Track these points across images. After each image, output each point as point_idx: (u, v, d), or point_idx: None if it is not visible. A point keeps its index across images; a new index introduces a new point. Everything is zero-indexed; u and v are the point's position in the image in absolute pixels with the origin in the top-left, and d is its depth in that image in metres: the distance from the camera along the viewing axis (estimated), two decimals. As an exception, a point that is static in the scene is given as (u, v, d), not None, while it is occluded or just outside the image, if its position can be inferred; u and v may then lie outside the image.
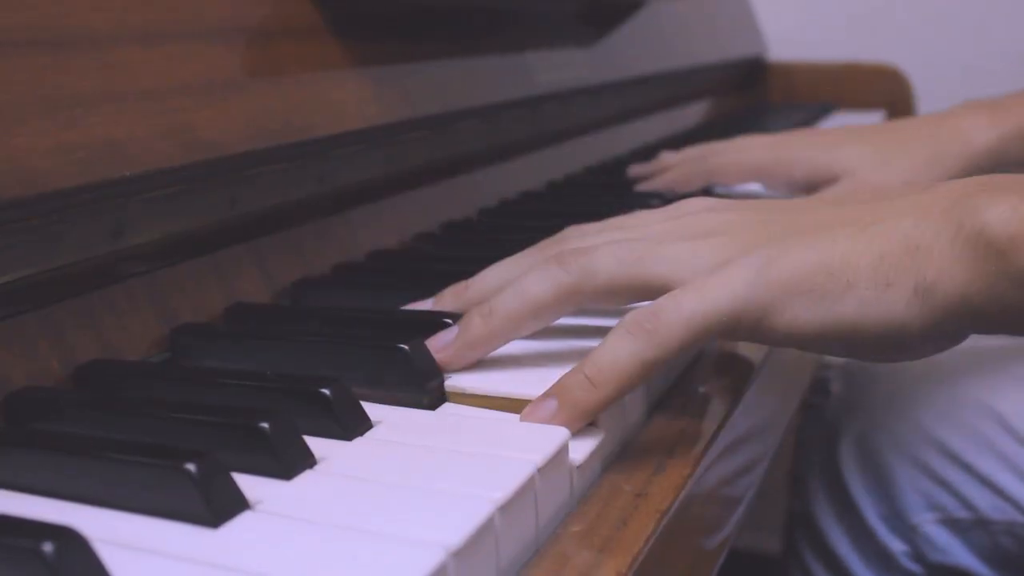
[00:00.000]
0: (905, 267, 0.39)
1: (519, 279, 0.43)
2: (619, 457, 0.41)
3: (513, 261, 0.47)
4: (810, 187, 0.76)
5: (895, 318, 0.39)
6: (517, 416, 0.39)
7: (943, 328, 0.39)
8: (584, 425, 0.38)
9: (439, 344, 0.43)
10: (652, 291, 0.42)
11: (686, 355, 0.40)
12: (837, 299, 0.39)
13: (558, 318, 0.44)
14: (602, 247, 0.43)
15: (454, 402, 0.42)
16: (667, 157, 0.84)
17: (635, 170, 0.85)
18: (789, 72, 1.51)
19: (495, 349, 0.44)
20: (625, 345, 0.39)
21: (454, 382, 0.42)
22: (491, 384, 0.42)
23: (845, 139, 0.78)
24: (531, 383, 0.41)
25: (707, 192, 0.82)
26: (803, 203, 0.47)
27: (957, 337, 0.41)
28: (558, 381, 0.39)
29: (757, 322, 0.40)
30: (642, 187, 0.82)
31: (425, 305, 0.48)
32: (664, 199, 0.74)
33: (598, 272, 0.43)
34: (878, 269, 0.39)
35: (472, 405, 0.41)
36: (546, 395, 0.39)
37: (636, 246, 0.43)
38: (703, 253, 0.42)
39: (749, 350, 0.53)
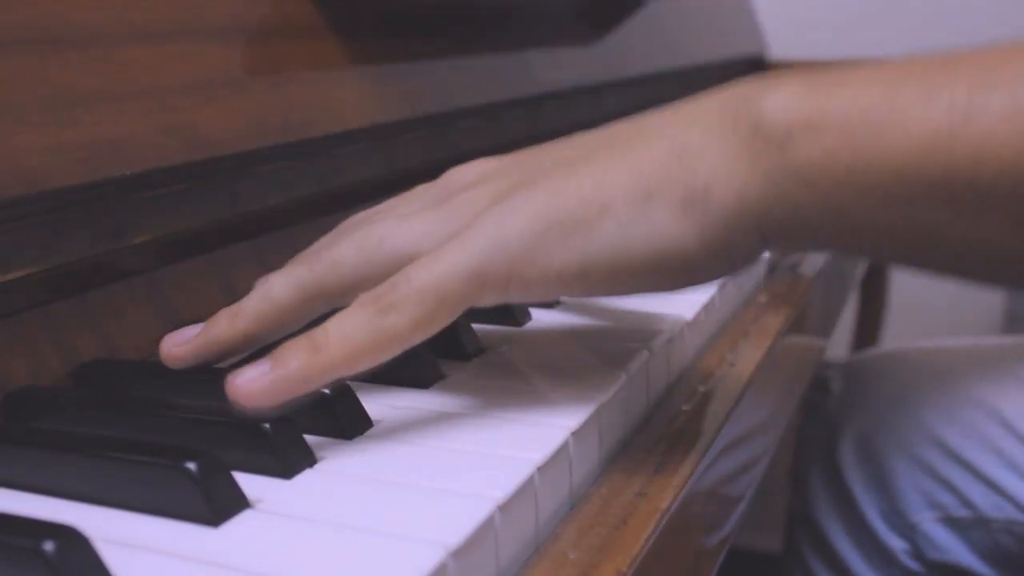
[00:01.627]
0: (670, 176, 0.34)
1: (266, 279, 0.40)
2: (619, 456, 0.41)
3: (279, 275, 0.41)
4: None
5: (664, 236, 0.34)
6: (519, 414, 0.39)
7: (727, 241, 0.35)
8: (294, 394, 0.35)
9: (181, 337, 0.40)
10: (395, 264, 0.38)
11: (440, 326, 0.36)
12: (592, 226, 0.35)
13: (310, 318, 0.40)
14: (344, 238, 0.40)
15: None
16: None
17: None
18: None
19: (238, 354, 0.40)
20: (357, 317, 0.35)
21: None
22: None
23: None
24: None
25: None
26: (566, 140, 0.41)
27: (749, 253, 0.36)
28: (277, 349, 0.35)
29: (508, 274, 0.36)
30: None
31: (190, 333, 0.41)
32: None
33: (340, 263, 0.39)
34: (637, 184, 0.35)
35: None
36: (263, 358, 0.35)
37: (378, 228, 0.39)
38: (449, 218, 0.38)
39: (750, 349, 0.53)
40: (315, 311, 0.40)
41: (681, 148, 0.35)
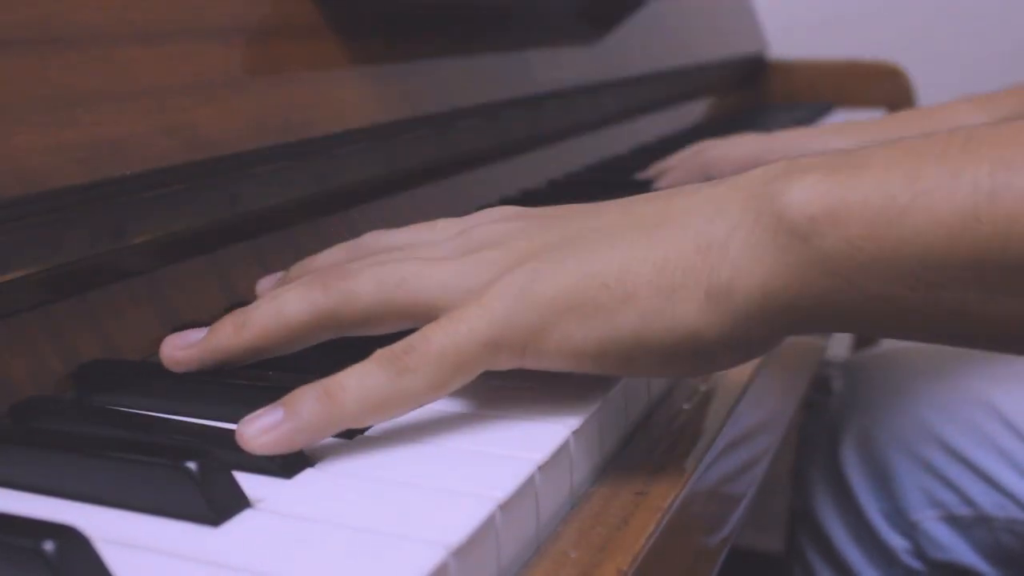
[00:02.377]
0: (695, 269, 0.35)
1: (279, 295, 0.40)
2: (619, 455, 0.41)
3: (289, 290, 0.41)
4: None
5: (685, 328, 0.35)
6: (520, 413, 0.39)
7: (749, 333, 0.35)
8: (307, 445, 0.35)
9: (182, 341, 0.40)
10: (418, 316, 0.38)
11: (452, 388, 0.36)
12: (614, 312, 0.35)
13: (317, 341, 0.40)
14: (367, 270, 0.40)
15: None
16: (668, 161, 0.85)
17: (640, 176, 0.85)
18: (790, 70, 1.51)
19: (239, 362, 0.40)
20: (372, 373, 0.35)
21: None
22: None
23: (835, 132, 0.78)
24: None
25: None
26: (595, 206, 0.41)
27: (769, 341, 0.36)
28: (291, 394, 0.35)
29: (523, 346, 0.36)
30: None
31: (195, 337, 0.41)
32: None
33: (358, 297, 0.39)
34: (662, 275, 0.35)
35: None
36: (273, 405, 0.35)
37: (401, 267, 0.39)
38: (471, 272, 0.38)
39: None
40: (322, 336, 0.40)
41: (706, 243, 0.35)
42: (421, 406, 0.37)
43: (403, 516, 0.31)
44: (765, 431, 0.55)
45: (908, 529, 0.75)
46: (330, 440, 0.37)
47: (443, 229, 0.44)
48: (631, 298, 0.35)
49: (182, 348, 0.40)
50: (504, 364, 0.37)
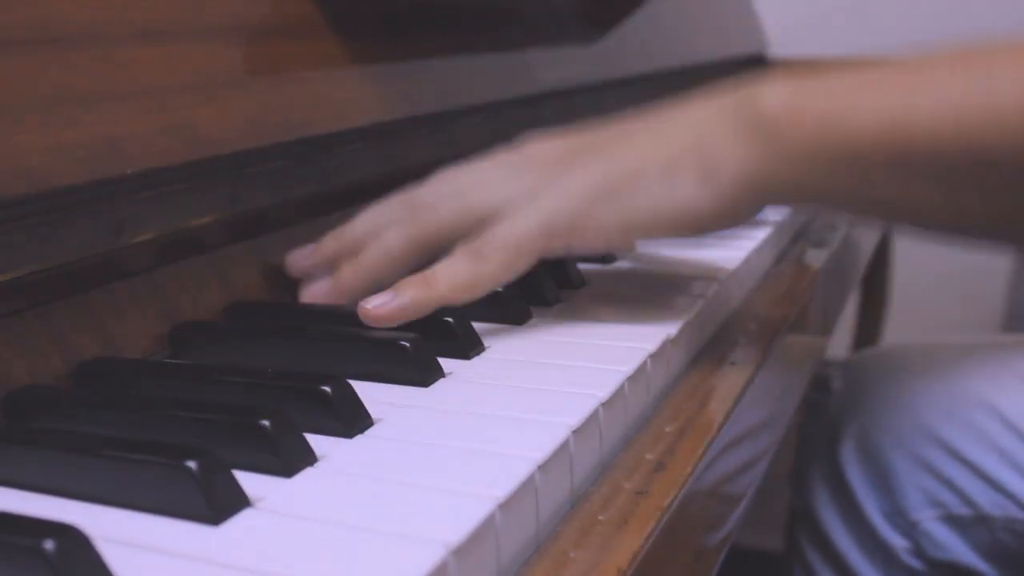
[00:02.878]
0: (690, 152, 0.45)
1: (378, 232, 0.50)
2: (620, 454, 0.41)
3: (376, 208, 0.53)
4: None
5: (684, 198, 0.45)
6: (519, 412, 0.39)
7: (733, 205, 0.45)
8: (407, 318, 0.45)
9: (315, 291, 0.51)
10: (482, 220, 0.48)
11: (519, 271, 0.47)
12: (632, 196, 0.46)
13: (418, 263, 0.49)
14: (442, 196, 0.50)
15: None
16: None
17: None
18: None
19: (361, 294, 0.48)
20: (459, 264, 0.47)
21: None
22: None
23: None
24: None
25: None
26: (622, 122, 0.51)
27: (749, 212, 0.47)
28: (400, 282, 0.46)
29: (569, 231, 0.47)
30: None
31: (307, 251, 0.53)
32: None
33: (439, 219, 0.49)
34: (665, 163, 0.46)
35: None
36: (386, 290, 0.46)
37: (467, 190, 0.50)
38: (523, 182, 0.49)
39: (750, 348, 0.53)
40: (419, 260, 0.49)
41: (699, 134, 0.46)
42: (498, 286, 0.47)
43: (402, 515, 0.31)
44: (765, 430, 0.55)
45: (908, 529, 0.75)
46: (330, 439, 0.37)
47: (494, 160, 0.53)
48: (641, 178, 0.46)
49: (316, 296, 0.51)
50: (556, 249, 0.48)
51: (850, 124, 0.42)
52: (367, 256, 0.50)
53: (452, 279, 0.46)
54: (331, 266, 0.51)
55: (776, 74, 0.46)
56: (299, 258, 0.53)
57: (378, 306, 0.45)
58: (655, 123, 0.49)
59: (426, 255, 0.49)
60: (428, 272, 0.46)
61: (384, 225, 0.51)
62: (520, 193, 0.48)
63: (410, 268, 0.49)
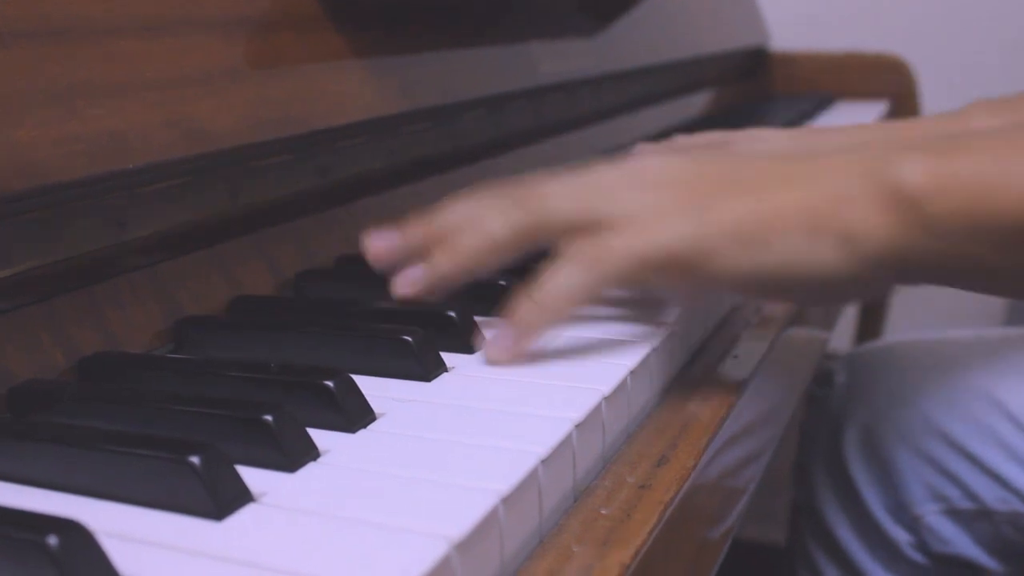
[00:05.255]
0: (831, 217, 0.42)
1: (480, 218, 0.46)
2: (622, 448, 0.41)
3: (476, 197, 0.49)
4: None
5: (823, 263, 0.42)
6: (521, 407, 0.39)
7: (868, 275, 0.42)
8: (531, 343, 0.43)
9: (408, 279, 0.47)
10: (598, 225, 0.44)
11: (628, 285, 0.45)
12: (768, 246, 0.43)
13: (517, 255, 0.46)
14: (559, 190, 0.46)
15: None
16: (681, 140, 0.84)
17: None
18: (792, 62, 1.51)
19: (454, 283, 0.46)
20: (571, 272, 0.43)
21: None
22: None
23: (862, 137, 0.77)
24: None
25: None
26: (746, 157, 0.49)
27: (883, 285, 0.44)
28: (510, 311, 0.43)
29: (692, 263, 0.43)
30: None
31: (392, 235, 0.49)
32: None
33: (553, 211, 0.45)
34: (807, 217, 0.42)
35: None
36: (502, 327, 0.43)
37: (588, 189, 0.46)
38: (651, 201, 0.45)
39: (752, 341, 0.53)
40: (521, 250, 0.46)
41: (838, 196, 0.42)
42: (599, 294, 0.44)
43: (406, 509, 0.31)
44: (767, 424, 0.55)
45: (911, 523, 0.75)
46: (333, 434, 0.37)
47: (608, 169, 0.49)
48: (783, 233, 0.42)
49: (409, 285, 0.47)
50: (668, 280, 0.44)
51: (1002, 195, 0.40)
52: (466, 240, 0.46)
53: (568, 292, 0.43)
54: (415, 253, 0.48)
55: (908, 138, 0.45)
56: (381, 241, 0.49)
57: (499, 347, 0.43)
58: (792, 172, 0.45)
59: (529, 248, 0.46)
60: (536, 291, 0.43)
61: (483, 213, 0.47)
62: (644, 210, 0.45)
63: (511, 261, 0.46)
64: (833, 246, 0.42)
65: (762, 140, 0.79)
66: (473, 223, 0.46)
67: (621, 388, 0.41)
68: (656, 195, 0.45)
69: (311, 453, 0.35)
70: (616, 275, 0.43)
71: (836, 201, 0.42)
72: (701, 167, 0.48)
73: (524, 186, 0.48)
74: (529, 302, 0.43)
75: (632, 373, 0.42)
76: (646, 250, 0.43)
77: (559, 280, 0.43)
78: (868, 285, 0.43)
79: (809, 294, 0.44)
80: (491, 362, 0.43)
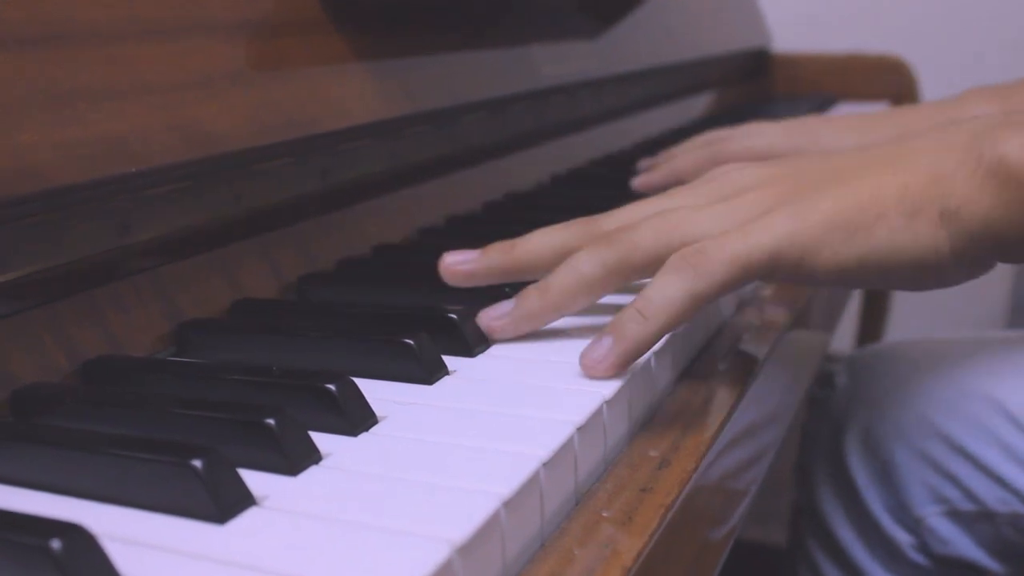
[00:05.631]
0: (931, 195, 0.42)
1: (572, 258, 0.46)
2: (624, 451, 0.41)
3: (558, 229, 0.49)
4: None
5: (926, 244, 0.42)
6: (523, 410, 0.39)
7: (971, 253, 0.42)
8: (636, 359, 0.42)
9: (495, 313, 0.46)
10: None
11: (730, 291, 0.43)
12: (870, 230, 0.42)
13: (608, 293, 0.46)
14: (643, 222, 0.46)
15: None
16: (675, 149, 0.84)
17: (644, 164, 0.84)
18: (793, 63, 1.51)
19: (547, 323, 0.46)
20: (673, 281, 0.42)
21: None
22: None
23: (860, 126, 0.77)
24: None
25: None
26: (828, 153, 0.49)
27: (985, 264, 0.43)
28: (611, 321, 0.42)
29: (798, 261, 0.43)
30: (647, 177, 0.81)
31: (471, 255, 0.49)
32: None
33: (640, 246, 0.45)
34: (904, 199, 0.42)
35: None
36: (602, 334, 0.42)
37: (672, 216, 0.46)
38: (738, 209, 0.45)
39: (754, 342, 0.53)
40: (612, 287, 0.46)
41: (938, 173, 0.42)
42: (706, 304, 0.43)
43: (408, 513, 0.31)
44: (769, 426, 0.55)
45: (912, 524, 0.75)
46: (334, 437, 0.37)
47: (686, 189, 0.50)
48: (882, 218, 0.42)
49: (497, 319, 0.46)
50: (777, 277, 0.44)
51: None
52: (557, 280, 0.46)
53: (672, 303, 0.42)
54: (493, 278, 0.49)
55: (1012, 119, 0.43)
56: (459, 265, 0.49)
57: (596, 360, 0.41)
58: (883, 156, 0.45)
59: (620, 284, 0.46)
60: (640, 300, 0.42)
61: (565, 248, 0.47)
62: (735, 221, 0.44)
63: (600, 297, 0.46)
64: (935, 225, 0.41)
65: (760, 135, 0.80)
66: (566, 263, 0.46)
67: (623, 391, 0.41)
68: (742, 202, 0.45)
69: (313, 456, 0.35)
70: (721, 280, 0.42)
71: (935, 180, 0.42)
72: (786, 168, 0.48)
73: (610, 220, 0.48)
74: (633, 312, 0.42)
75: (634, 376, 0.42)
76: (750, 252, 0.42)
77: (665, 292, 0.42)
78: (970, 264, 0.43)
79: (912, 278, 0.43)
80: (592, 376, 0.41)
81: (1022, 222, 0.41)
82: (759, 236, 0.42)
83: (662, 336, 0.42)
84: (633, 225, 0.46)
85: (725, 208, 0.46)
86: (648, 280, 0.44)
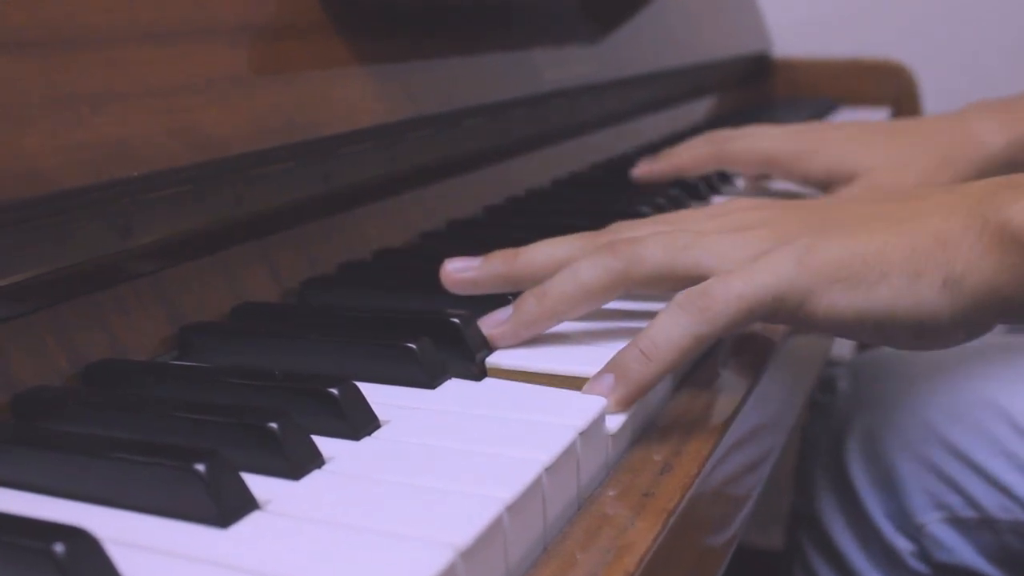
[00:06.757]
0: (935, 260, 0.42)
1: (573, 264, 0.46)
2: (626, 456, 0.41)
3: (563, 240, 0.49)
4: (827, 182, 0.76)
5: (926, 307, 0.42)
6: (526, 414, 0.39)
7: (973, 318, 0.42)
8: (639, 398, 0.41)
9: (494, 321, 0.46)
10: (695, 279, 0.44)
11: (734, 332, 0.43)
12: (872, 287, 0.42)
13: (607, 302, 0.46)
14: (650, 237, 0.46)
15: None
16: (678, 147, 0.84)
17: (643, 162, 0.84)
18: (794, 68, 1.51)
19: (545, 329, 0.46)
20: (678, 321, 0.42)
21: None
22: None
23: (863, 137, 0.78)
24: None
25: (722, 177, 0.83)
26: (838, 200, 0.50)
27: (987, 326, 0.43)
28: (613, 357, 0.42)
29: (798, 305, 0.42)
30: (649, 166, 0.81)
31: (474, 263, 0.49)
32: (670, 199, 0.74)
33: (646, 260, 0.45)
34: (910, 261, 0.42)
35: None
36: (603, 371, 0.41)
37: (682, 236, 0.46)
38: (746, 244, 0.45)
39: (756, 348, 0.53)
40: (611, 297, 0.46)
41: (944, 238, 0.42)
42: (712, 343, 0.43)
43: (410, 517, 0.31)
44: (770, 431, 0.55)
45: (913, 531, 0.74)
46: (337, 441, 0.37)
47: (695, 212, 0.50)
48: (885, 276, 0.42)
49: (496, 327, 0.46)
50: (778, 320, 0.44)
51: None
52: (556, 286, 0.45)
53: (678, 343, 0.41)
54: (495, 286, 0.49)
55: (1016, 181, 0.43)
56: (461, 272, 0.49)
57: (603, 395, 0.41)
58: (891, 214, 0.45)
59: (620, 295, 0.46)
60: (643, 341, 0.42)
61: (569, 260, 0.47)
62: (742, 255, 0.44)
63: (600, 306, 0.46)
64: (937, 287, 0.41)
65: (763, 136, 0.80)
66: (566, 269, 0.46)
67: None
68: (752, 237, 0.45)
69: (316, 460, 0.35)
70: (725, 323, 0.42)
71: (940, 242, 0.42)
72: (795, 209, 0.48)
73: (613, 231, 0.48)
74: (636, 352, 0.41)
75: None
76: (754, 293, 0.42)
77: (670, 334, 0.42)
78: (971, 327, 0.43)
79: (911, 336, 0.43)
80: (610, 410, 0.40)
81: None
82: (763, 277, 0.42)
83: (662, 377, 0.42)
84: (641, 239, 0.46)
85: (734, 239, 0.46)
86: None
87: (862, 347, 1.47)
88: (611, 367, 0.41)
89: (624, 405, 0.40)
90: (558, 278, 0.45)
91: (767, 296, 0.42)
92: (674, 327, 0.42)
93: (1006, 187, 0.42)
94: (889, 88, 1.43)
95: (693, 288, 0.43)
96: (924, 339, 0.43)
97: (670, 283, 0.46)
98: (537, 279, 0.47)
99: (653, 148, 0.94)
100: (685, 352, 0.42)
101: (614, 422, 0.40)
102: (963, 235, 0.41)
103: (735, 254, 0.45)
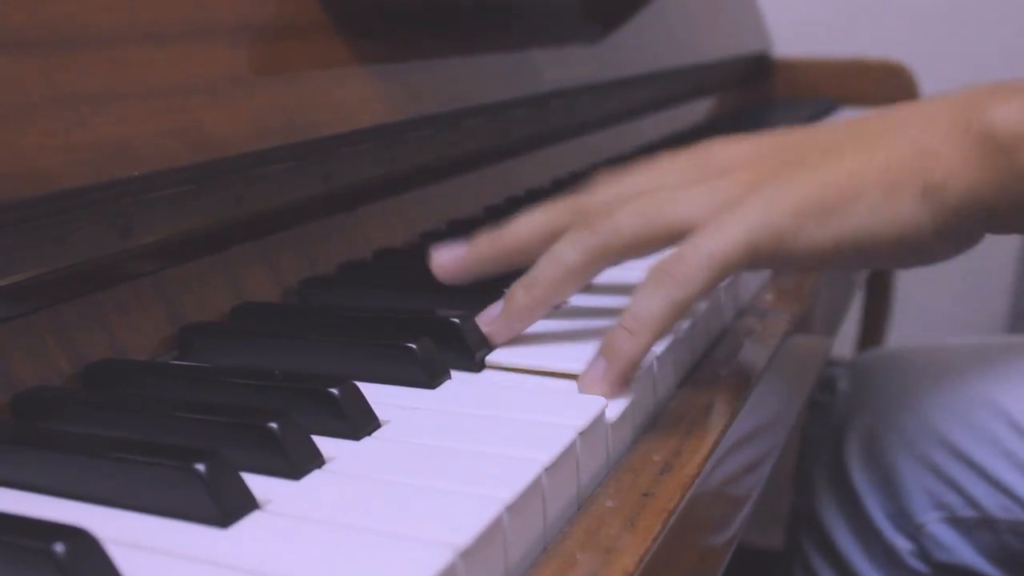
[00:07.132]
0: (913, 170, 0.41)
1: (553, 248, 0.46)
2: (626, 456, 0.41)
3: (542, 211, 0.49)
4: None
5: (907, 220, 0.41)
6: (526, 414, 0.39)
7: (956, 228, 0.41)
8: (632, 376, 0.41)
9: (488, 317, 0.46)
10: (676, 236, 0.44)
11: (714, 288, 0.43)
12: (847, 210, 0.41)
13: (595, 276, 0.46)
14: (624, 206, 0.45)
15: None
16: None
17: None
18: (794, 68, 1.51)
19: (539, 318, 0.46)
20: (655, 291, 0.42)
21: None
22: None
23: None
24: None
25: None
26: (814, 129, 0.48)
27: (971, 238, 0.42)
28: (602, 342, 0.42)
29: (775, 248, 0.42)
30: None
31: (460, 250, 0.49)
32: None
33: (623, 230, 0.45)
34: (885, 175, 0.41)
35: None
36: (594, 358, 0.42)
37: (655, 198, 0.45)
38: (718, 191, 0.44)
39: (756, 347, 0.53)
40: (597, 271, 0.46)
41: (922, 147, 0.41)
42: (691, 307, 0.43)
43: (410, 518, 0.31)
44: (771, 431, 0.55)
45: (912, 531, 0.74)
46: (337, 441, 0.37)
47: (670, 163, 0.49)
48: (860, 196, 0.41)
49: (490, 323, 0.46)
50: (760, 265, 0.43)
51: None
52: (542, 274, 0.46)
53: (659, 314, 0.41)
54: (485, 268, 0.49)
55: (1000, 88, 0.42)
56: (448, 260, 0.49)
57: (593, 381, 0.41)
58: (867, 131, 0.44)
59: (605, 267, 0.46)
60: (626, 318, 0.42)
61: (551, 232, 0.47)
62: (714, 204, 0.44)
63: (587, 281, 0.46)
64: (917, 197, 0.40)
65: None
66: (547, 255, 0.46)
67: (624, 396, 0.41)
68: (720, 186, 0.45)
69: (316, 460, 0.35)
70: (701, 284, 0.42)
71: (919, 154, 0.41)
72: (770, 146, 0.47)
73: (592, 201, 0.48)
74: (621, 331, 0.42)
75: (636, 381, 0.42)
76: (726, 250, 0.42)
77: (648, 305, 0.42)
78: (957, 238, 0.42)
79: (893, 256, 0.43)
80: (585, 391, 0.41)
81: (1012, 191, 0.39)
82: (733, 231, 0.42)
83: (652, 345, 0.42)
84: (616, 208, 0.45)
85: (706, 188, 0.45)
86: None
87: (862, 347, 1.47)
88: (602, 351, 0.42)
89: (619, 384, 0.41)
90: (542, 264, 0.46)
91: (739, 249, 0.42)
92: (652, 298, 0.42)
93: (990, 93, 0.41)
94: (890, 88, 1.43)
95: (665, 257, 0.43)
96: (909, 255, 0.42)
97: (653, 246, 0.45)
98: (524, 253, 0.47)
99: (652, 148, 0.95)
100: (667, 319, 0.42)
101: (613, 410, 0.40)
102: (944, 141, 0.40)
103: (709, 203, 0.44)
